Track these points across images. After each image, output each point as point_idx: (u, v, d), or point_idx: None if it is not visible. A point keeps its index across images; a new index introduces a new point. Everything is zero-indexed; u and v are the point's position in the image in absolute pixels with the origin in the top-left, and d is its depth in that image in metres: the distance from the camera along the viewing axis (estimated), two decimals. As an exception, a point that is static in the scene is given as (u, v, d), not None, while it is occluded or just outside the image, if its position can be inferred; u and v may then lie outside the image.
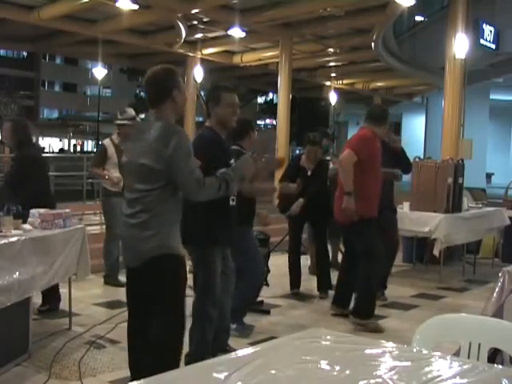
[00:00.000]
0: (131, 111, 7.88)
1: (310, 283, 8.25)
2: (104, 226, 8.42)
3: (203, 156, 4.27)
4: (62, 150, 42.91)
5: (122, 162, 4.34)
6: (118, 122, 7.83)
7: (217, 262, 4.89)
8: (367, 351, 2.57)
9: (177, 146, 3.77)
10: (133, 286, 4.08)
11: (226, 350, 5.07)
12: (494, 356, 3.02)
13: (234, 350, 3.53)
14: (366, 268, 6.51)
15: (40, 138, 42.12)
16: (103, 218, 8.35)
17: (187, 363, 4.62)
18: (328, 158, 8.99)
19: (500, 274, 4.57)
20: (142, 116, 8.75)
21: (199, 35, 20.83)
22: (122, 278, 7.46)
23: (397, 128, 41.59)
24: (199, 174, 3.87)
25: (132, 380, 3.83)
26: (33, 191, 6.08)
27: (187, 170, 3.82)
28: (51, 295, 6.44)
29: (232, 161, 4.68)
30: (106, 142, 7.99)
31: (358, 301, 6.66)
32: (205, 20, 18.96)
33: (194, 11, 17.23)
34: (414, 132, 35.67)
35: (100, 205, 8.77)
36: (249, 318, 6.32)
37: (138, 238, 3.88)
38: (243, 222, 5.49)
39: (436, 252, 8.35)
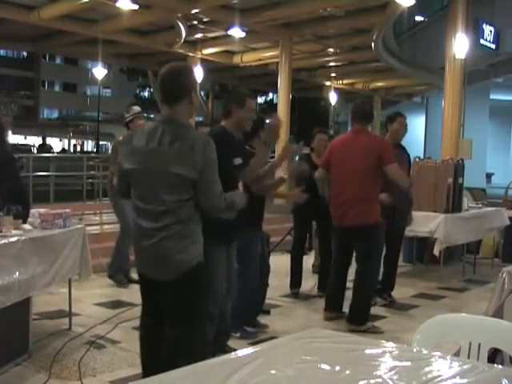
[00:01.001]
0: (137, 107, 7.96)
1: (310, 283, 8.25)
2: (104, 227, 8.41)
3: (228, 145, 4.56)
4: (64, 150, 42.89)
5: (131, 168, 3.89)
6: (127, 119, 7.78)
7: (221, 261, 4.86)
8: (367, 351, 2.57)
9: (209, 156, 3.69)
10: (160, 299, 3.90)
11: (225, 350, 5.05)
12: (494, 356, 3.02)
13: (234, 350, 3.52)
14: (366, 273, 6.51)
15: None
16: (116, 218, 8.22)
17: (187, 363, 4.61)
18: None
19: (500, 274, 4.57)
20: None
21: (199, 35, 20.83)
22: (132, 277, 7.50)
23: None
24: (221, 188, 3.82)
25: None
26: (8, 190, 6.00)
27: (214, 181, 3.77)
28: None
29: (240, 160, 4.71)
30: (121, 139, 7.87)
31: (354, 307, 6.54)
32: (205, 20, 18.96)
33: (193, 11, 17.23)
34: (414, 132, 35.52)
35: (100, 205, 8.75)
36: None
37: (173, 249, 3.73)
38: (249, 223, 5.45)
39: (436, 252, 8.35)
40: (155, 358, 3.97)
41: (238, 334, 5.97)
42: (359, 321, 6.42)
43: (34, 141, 44.00)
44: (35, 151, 33.43)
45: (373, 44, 19.22)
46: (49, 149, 36.74)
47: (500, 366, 2.60)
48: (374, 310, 7.28)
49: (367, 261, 6.53)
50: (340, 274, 6.76)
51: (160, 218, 3.72)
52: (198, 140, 3.72)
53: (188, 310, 3.84)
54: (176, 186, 3.70)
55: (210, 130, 5.14)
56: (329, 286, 6.95)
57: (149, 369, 3.97)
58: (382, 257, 7.45)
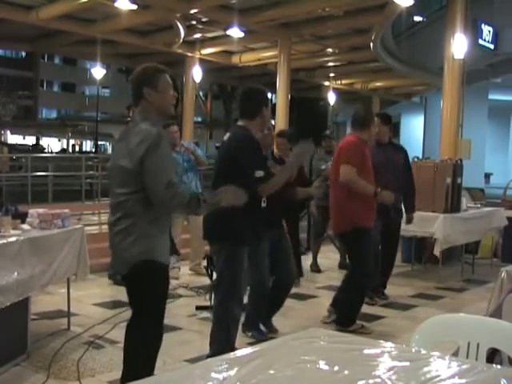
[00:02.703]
0: None
1: (309, 283, 8.25)
2: (103, 227, 8.41)
3: (254, 154, 4.64)
4: (64, 150, 42.87)
5: (107, 166, 4.15)
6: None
7: (244, 261, 4.87)
8: (366, 351, 2.57)
9: (151, 147, 3.66)
10: (127, 292, 4.00)
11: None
12: (493, 356, 3.02)
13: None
14: (350, 276, 6.54)
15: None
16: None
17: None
18: (323, 166, 9.00)
19: (499, 274, 4.57)
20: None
21: (198, 35, 20.84)
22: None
23: (395, 128, 41.65)
24: (171, 179, 3.71)
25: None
26: None
27: (158, 172, 3.68)
28: None
29: (261, 173, 4.75)
30: None
31: (341, 310, 6.57)
32: (203, 20, 18.98)
33: (192, 11, 17.25)
34: (413, 132, 35.64)
35: (99, 205, 8.74)
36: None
37: (121, 245, 3.79)
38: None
39: (437, 252, 8.36)
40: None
41: (250, 334, 5.97)
42: (346, 322, 6.40)
43: (33, 141, 44.03)
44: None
45: (371, 44, 19.23)
46: (41, 149, 36.71)
47: (499, 366, 2.60)
48: (373, 310, 7.30)
49: (352, 264, 6.67)
50: None
51: (113, 211, 3.86)
52: (142, 132, 3.73)
53: (136, 306, 3.91)
54: (123, 179, 3.77)
55: (234, 134, 4.98)
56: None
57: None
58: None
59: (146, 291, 3.85)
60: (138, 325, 3.90)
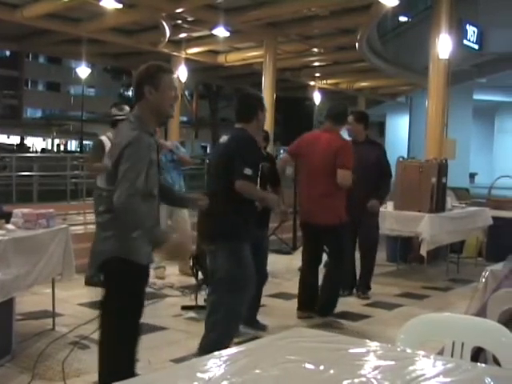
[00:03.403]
0: (128, 107, 7.65)
1: (295, 282, 8.26)
2: (88, 227, 8.37)
3: (250, 153, 4.89)
4: (43, 150, 42.53)
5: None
6: (118, 117, 7.30)
7: (250, 260, 5.03)
8: (351, 351, 2.57)
9: (127, 151, 3.61)
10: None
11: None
12: (478, 355, 3.03)
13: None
14: (337, 270, 6.64)
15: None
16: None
17: (204, 346, 4.82)
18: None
19: (483, 273, 4.60)
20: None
21: (184, 35, 20.82)
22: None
23: (381, 128, 41.77)
24: (136, 190, 3.59)
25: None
26: None
27: (126, 178, 3.58)
28: None
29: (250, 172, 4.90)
30: (103, 138, 7.56)
31: (326, 301, 6.73)
32: (189, 19, 18.95)
33: (178, 10, 17.22)
34: (398, 132, 35.80)
35: (84, 205, 8.69)
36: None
37: (97, 238, 3.86)
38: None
39: (423, 252, 8.38)
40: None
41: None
42: (331, 310, 6.71)
43: (18, 140, 43.79)
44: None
45: (357, 44, 19.30)
46: (27, 149, 36.52)
47: (483, 365, 2.62)
48: (359, 309, 7.32)
49: (334, 255, 6.73)
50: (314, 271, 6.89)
51: (101, 203, 4.01)
52: (126, 136, 3.72)
53: (105, 307, 3.90)
54: (107, 176, 3.84)
55: (234, 135, 5.15)
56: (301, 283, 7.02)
57: None
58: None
59: (116, 289, 3.83)
60: (103, 324, 3.89)
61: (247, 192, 4.94)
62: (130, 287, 3.83)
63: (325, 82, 29.86)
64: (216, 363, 2.36)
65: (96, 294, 7.45)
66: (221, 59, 24.02)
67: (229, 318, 5.04)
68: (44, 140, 49.31)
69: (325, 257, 7.02)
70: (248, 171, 4.81)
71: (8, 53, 52.52)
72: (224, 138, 5.21)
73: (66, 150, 46.34)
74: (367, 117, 8.08)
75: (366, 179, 7.26)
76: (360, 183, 6.82)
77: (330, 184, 6.41)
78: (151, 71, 3.86)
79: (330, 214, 6.48)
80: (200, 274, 6.78)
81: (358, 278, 7.96)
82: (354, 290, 7.93)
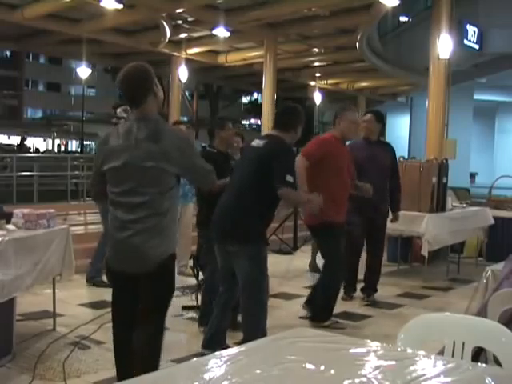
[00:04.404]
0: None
1: (295, 282, 8.25)
2: (88, 227, 8.36)
3: (290, 160, 5.05)
4: (38, 150, 42.36)
5: (114, 166, 3.88)
6: (123, 115, 7.34)
7: (267, 260, 5.14)
8: (352, 350, 2.57)
9: (185, 148, 3.84)
10: (132, 292, 3.90)
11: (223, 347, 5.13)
12: (478, 355, 3.03)
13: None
14: (325, 274, 6.57)
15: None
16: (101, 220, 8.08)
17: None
18: None
19: (484, 273, 4.59)
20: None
21: (184, 35, 20.84)
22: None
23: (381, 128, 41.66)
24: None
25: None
26: None
27: (200, 165, 3.96)
28: None
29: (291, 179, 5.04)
30: None
31: (318, 306, 6.64)
32: (189, 20, 18.97)
33: (178, 11, 17.24)
34: (399, 132, 35.80)
35: (84, 205, 8.68)
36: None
37: (148, 243, 3.77)
38: None
39: (425, 252, 8.37)
40: (129, 357, 3.96)
41: (202, 329, 5.96)
42: (321, 317, 6.56)
43: (18, 141, 43.75)
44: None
45: (357, 44, 19.30)
46: (27, 149, 36.47)
47: (484, 365, 2.61)
48: (359, 310, 7.31)
49: (323, 258, 6.71)
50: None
51: (134, 210, 3.78)
52: (177, 136, 3.89)
53: (150, 303, 3.90)
54: (153, 178, 3.76)
55: (272, 141, 5.20)
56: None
57: (124, 368, 3.99)
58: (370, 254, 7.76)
59: (169, 287, 3.94)
60: (151, 321, 3.91)
61: (292, 198, 5.14)
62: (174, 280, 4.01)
63: (325, 82, 29.86)
64: (216, 363, 2.35)
65: (96, 294, 7.50)
66: (221, 59, 24.03)
67: (257, 315, 5.21)
68: (44, 140, 49.23)
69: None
70: (290, 178, 4.89)
71: (8, 53, 52.51)
72: (258, 142, 5.21)
73: (66, 151, 46.27)
74: (384, 117, 8.13)
75: (380, 180, 7.23)
76: (374, 184, 6.70)
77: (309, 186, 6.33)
78: (150, 69, 3.90)
79: (312, 215, 6.32)
80: (200, 273, 6.78)
81: (363, 278, 7.84)
82: (359, 292, 7.83)
